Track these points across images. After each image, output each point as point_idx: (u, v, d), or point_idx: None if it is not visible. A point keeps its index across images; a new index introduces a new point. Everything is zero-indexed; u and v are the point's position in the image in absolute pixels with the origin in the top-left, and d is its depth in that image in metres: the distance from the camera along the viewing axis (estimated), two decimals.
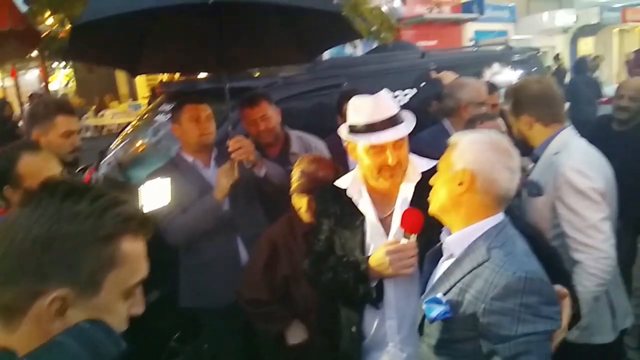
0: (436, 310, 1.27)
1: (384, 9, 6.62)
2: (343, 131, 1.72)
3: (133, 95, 17.51)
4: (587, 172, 1.91)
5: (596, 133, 3.80)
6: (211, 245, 2.46)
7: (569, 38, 16.54)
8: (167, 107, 3.91)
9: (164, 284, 2.45)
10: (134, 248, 0.83)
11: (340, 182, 1.80)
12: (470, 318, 1.25)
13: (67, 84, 14.90)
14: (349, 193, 1.75)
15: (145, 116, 4.20)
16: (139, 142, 3.84)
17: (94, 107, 15.48)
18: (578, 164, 1.93)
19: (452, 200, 1.35)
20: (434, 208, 1.42)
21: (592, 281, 1.85)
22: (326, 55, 6.13)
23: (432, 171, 1.53)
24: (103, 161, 3.81)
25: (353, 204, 1.74)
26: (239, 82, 3.81)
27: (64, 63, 8.28)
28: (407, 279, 1.59)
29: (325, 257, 1.80)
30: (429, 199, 1.45)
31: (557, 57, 12.47)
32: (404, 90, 3.92)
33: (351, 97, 2.89)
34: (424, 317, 1.36)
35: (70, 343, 0.72)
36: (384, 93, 1.65)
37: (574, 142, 2.07)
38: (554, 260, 1.58)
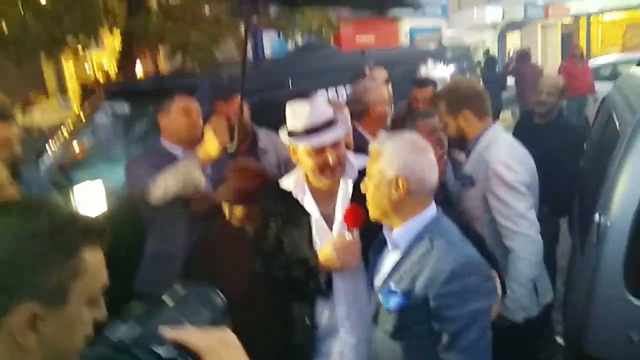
0: (393, 300, 1.41)
1: None
2: (283, 135, 1.82)
3: (62, 89, 16.58)
4: (513, 166, 2.12)
5: (521, 126, 4.15)
6: (179, 234, 2.42)
7: (497, 33, 17.49)
8: (107, 107, 3.85)
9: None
10: (94, 257, 0.85)
11: (285, 183, 1.90)
12: (422, 303, 1.39)
13: None
14: (294, 193, 1.85)
15: (84, 115, 4.07)
16: (80, 143, 3.74)
17: (18, 104, 14.49)
18: (506, 159, 2.14)
19: (392, 204, 1.48)
20: (374, 214, 1.54)
21: (524, 264, 2.07)
22: (268, 54, 6.20)
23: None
24: (42, 163, 3.68)
25: (298, 202, 1.84)
26: (182, 81, 3.82)
27: None
28: (353, 269, 1.72)
29: (274, 255, 1.89)
30: (366, 203, 1.56)
31: (487, 52, 13.16)
32: (345, 87, 4.07)
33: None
34: (377, 306, 1.49)
35: None
36: (319, 97, 1.78)
37: (502, 137, 2.28)
38: (481, 244, 1.77)
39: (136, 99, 3.77)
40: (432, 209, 1.52)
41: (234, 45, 6.13)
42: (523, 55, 8.76)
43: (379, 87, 3.04)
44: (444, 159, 2.38)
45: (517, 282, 2.07)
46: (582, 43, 18.95)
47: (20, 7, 4.68)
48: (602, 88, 8.23)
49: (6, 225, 0.79)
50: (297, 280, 1.78)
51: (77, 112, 5.45)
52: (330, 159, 1.72)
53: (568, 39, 20.01)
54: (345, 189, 1.80)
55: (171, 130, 2.51)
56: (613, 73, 9.88)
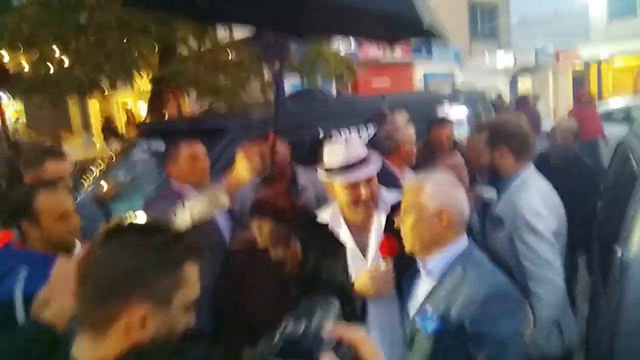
0: (430, 325, 1.51)
1: (343, 53, 7.10)
2: (320, 172, 1.99)
3: (86, 127, 17.18)
4: (542, 213, 2.18)
5: (537, 167, 4.28)
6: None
7: (509, 78, 17.87)
8: (143, 143, 4.08)
9: None
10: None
11: (321, 217, 2.05)
12: (458, 328, 1.48)
13: (17, 120, 14.51)
14: (330, 225, 1.99)
15: (121, 152, 4.31)
16: (117, 178, 3.95)
17: (49, 142, 14.99)
18: (536, 206, 2.19)
19: (432, 236, 1.60)
20: (414, 247, 1.64)
21: (546, 309, 2.12)
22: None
23: (399, 203, 1.82)
24: (79, 197, 3.87)
25: (333, 234, 1.98)
26: (214, 121, 4.06)
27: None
28: (386, 296, 1.83)
29: (311, 285, 2.01)
30: (401, 235, 1.66)
31: (499, 97, 13.42)
32: (367, 129, 4.27)
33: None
34: (412, 332, 1.59)
35: None
36: (354, 138, 1.96)
37: (535, 181, 2.34)
38: (510, 274, 1.87)
39: (170, 137, 4.00)
40: (464, 239, 1.65)
41: (258, 88, 6.45)
42: (523, 101, 9.33)
43: (407, 127, 3.23)
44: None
45: (536, 324, 2.10)
46: (593, 88, 19.25)
47: (63, 52, 5.04)
48: (616, 130, 8.56)
49: (129, 240, 0.97)
50: None
51: (104, 149, 5.72)
52: (364, 193, 1.88)
53: (579, 84, 20.34)
54: (378, 221, 1.94)
55: (181, 176, 2.59)
56: (626, 117, 10.06)
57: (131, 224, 1.02)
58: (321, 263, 2.00)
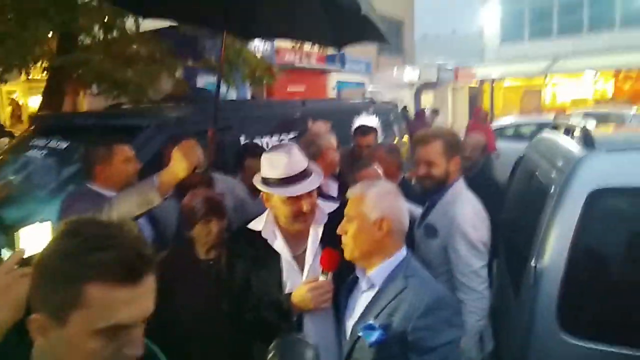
0: (374, 335, 1.48)
1: (259, 55, 6.99)
2: (257, 182, 1.88)
3: None
4: (477, 225, 2.27)
5: None
6: None
7: (413, 92, 18.92)
8: (40, 142, 3.64)
9: None
10: (103, 294, 0.85)
11: (254, 225, 1.94)
12: (399, 337, 1.48)
13: None
14: (264, 234, 1.89)
15: (13, 150, 3.81)
16: (8, 179, 3.47)
17: None
18: (472, 217, 2.27)
19: (373, 245, 1.60)
20: (354, 254, 1.63)
21: (473, 317, 2.21)
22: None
23: (336, 212, 1.79)
24: None
25: (267, 244, 1.88)
26: (126, 119, 3.73)
27: None
28: (323, 310, 1.78)
29: (244, 296, 1.90)
30: (342, 245, 1.65)
31: (405, 109, 14.12)
32: (288, 134, 4.22)
33: (252, 151, 3.05)
34: (352, 343, 1.56)
35: None
36: (296, 149, 1.87)
37: (467, 193, 2.41)
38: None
39: (72, 134, 3.61)
40: (404, 250, 1.65)
41: (168, 84, 6.11)
42: (420, 113, 11.13)
43: (328, 135, 3.22)
44: None
45: (466, 333, 2.17)
46: (487, 105, 21.05)
47: None
48: (506, 146, 9.51)
49: (61, 238, 0.90)
50: (268, 322, 1.79)
51: None
52: (305, 207, 1.80)
53: (475, 101, 22.13)
54: (315, 232, 1.88)
55: (111, 179, 2.44)
56: (515, 133, 11.11)
57: (76, 221, 0.92)
58: (252, 274, 1.90)
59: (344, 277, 1.76)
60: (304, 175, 1.81)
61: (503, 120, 12.74)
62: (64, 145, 3.53)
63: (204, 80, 6.86)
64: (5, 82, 4.97)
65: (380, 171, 2.92)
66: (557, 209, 2.13)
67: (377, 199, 1.60)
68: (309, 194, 1.82)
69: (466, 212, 2.29)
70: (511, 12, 23.31)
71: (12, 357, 1.00)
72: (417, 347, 1.47)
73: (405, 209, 1.64)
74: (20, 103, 14.41)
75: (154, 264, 0.92)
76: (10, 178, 3.48)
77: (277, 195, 1.81)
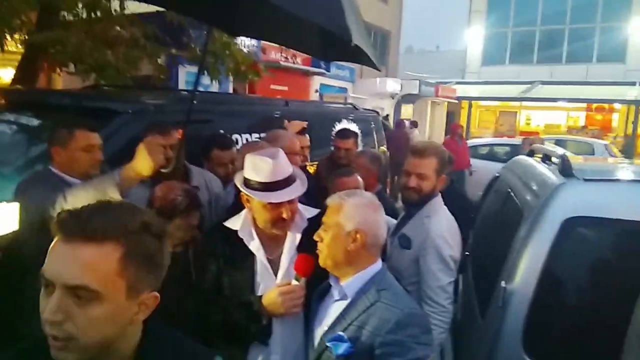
0: (342, 347, 1.46)
1: (246, 50, 6.90)
2: (239, 183, 1.83)
3: None
4: (450, 241, 2.30)
5: None
6: None
7: (394, 103, 19.09)
8: (10, 116, 3.48)
9: None
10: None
11: (231, 224, 1.89)
12: (367, 351, 1.46)
13: None
14: (240, 234, 1.85)
15: None
16: None
17: None
18: (446, 233, 2.29)
19: (346, 256, 1.58)
20: (326, 262, 1.61)
21: (436, 330, 2.21)
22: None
23: (316, 217, 1.76)
24: None
25: (243, 244, 1.84)
26: (103, 102, 3.60)
27: None
28: (293, 316, 1.74)
29: (212, 297, 1.85)
30: (317, 251, 1.63)
31: (386, 117, 14.24)
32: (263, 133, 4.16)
33: (220, 143, 2.97)
34: (319, 353, 1.53)
35: None
36: (281, 154, 1.83)
37: (442, 208, 2.44)
38: None
39: (45, 112, 3.47)
40: (379, 263, 1.64)
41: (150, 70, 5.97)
42: (400, 124, 11.25)
43: (290, 136, 3.11)
44: None
45: (434, 350, 2.15)
46: (463, 121, 21.45)
47: None
48: (480, 165, 9.78)
49: None
50: (238, 324, 1.75)
51: None
52: (285, 214, 1.77)
53: (452, 116, 22.51)
54: (293, 238, 1.85)
55: (68, 164, 2.31)
56: (489, 153, 11.33)
57: None
58: (225, 274, 1.85)
59: (317, 283, 1.73)
60: (287, 181, 1.78)
61: (480, 140, 13.01)
62: (35, 122, 3.39)
63: (186, 70, 6.74)
64: None
65: (360, 180, 2.89)
66: (532, 233, 2.16)
67: (354, 210, 1.59)
68: (291, 201, 1.78)
69: (441, 228, 2.31)
70: (495, 36, 23.90)
71: None
72: None
73: (382, 223, 1.63)
74: None
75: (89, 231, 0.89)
76: None
77: (258, 200, 1.77)
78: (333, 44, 2.87)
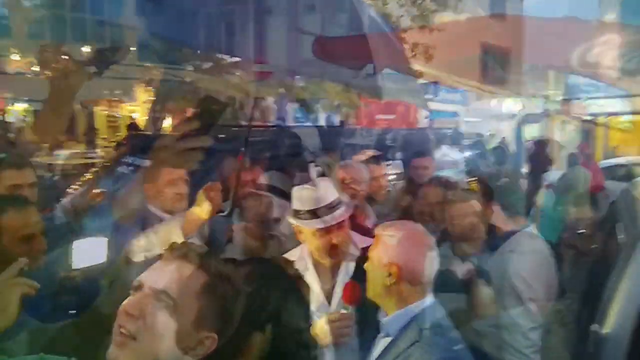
0: None
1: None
2: (289, 217, 1.92)
3: (90, 135, 17.14)
4: (531, 282, 2.08)
5: None
6: None
7: (515, 124, 17.89)
8: (131, 159, 4.00)
9: None
10: None
11: (289, 255, 1.97)
12: None
13: (24, 118, 14.54)
14: (297, 265, 1.91)
15: (107, 165, 4.24)
16: (98, 191, 3.85)
17: (48, 144, 14.82)
18: (526, 273, 2.09)
19: (384, 289, 1.53)
20: (369, 293, 1.60)
21: None
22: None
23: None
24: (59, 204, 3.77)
25: (299, 275, 1.90)
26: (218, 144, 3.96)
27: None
28: (345, 346, 1.72)
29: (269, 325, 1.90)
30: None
31: (502, 141, 13.41)
32: None
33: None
34: None
35: None
36: (325, 182, 1.89)
37: (529, 244, 2.22)
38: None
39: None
40: (427, 300, 1.55)
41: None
42: (539, 143, 9.16)
43: (355, 166, 3.04)
44: None
45: None
46: (600, 141, 19.24)
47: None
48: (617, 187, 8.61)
49: None
50: (289, 352, 1.79)
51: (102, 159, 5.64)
52: (334, 240, 1.79)
53: (586, 135, 20.34)
54: (346, 267, 1.86)
55: (158, 199, 2.47)
56: (627, 174, 9.97)
57: None
58: (282, 304, 1.90)
59: (371, 314, 1.69)
60: (331, 207, 1.81)
61: (614, 160, 11.56)
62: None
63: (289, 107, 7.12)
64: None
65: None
66: (627, 267, 1.88)
67: (390, 243, 1.54)
68: (339, 226, 1.80)
69: (520, 267, 2.10)
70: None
71: None
72: None
73: (423, 259, 1.54)
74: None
75: None
76: (104, 190, 3.86)
77: (305, 228, 1.82)
78: None
